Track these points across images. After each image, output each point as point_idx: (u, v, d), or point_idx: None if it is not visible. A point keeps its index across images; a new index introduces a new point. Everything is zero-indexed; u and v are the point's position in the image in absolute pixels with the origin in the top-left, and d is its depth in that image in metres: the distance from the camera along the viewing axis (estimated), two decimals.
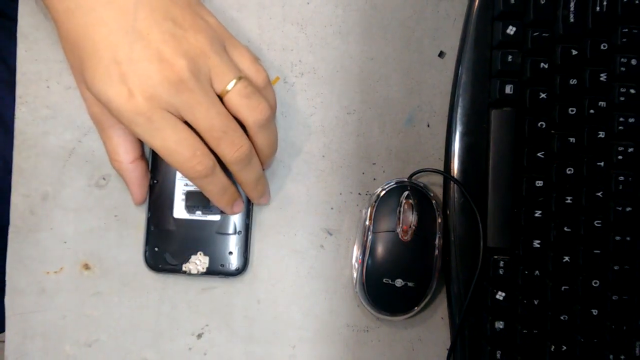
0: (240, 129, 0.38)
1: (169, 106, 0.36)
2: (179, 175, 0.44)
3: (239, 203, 0.42)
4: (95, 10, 0.36)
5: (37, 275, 0.44)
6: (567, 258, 0.42)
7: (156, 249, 0.44)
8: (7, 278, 0.44)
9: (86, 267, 0.44)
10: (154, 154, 0.44)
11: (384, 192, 0.43)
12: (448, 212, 0.43)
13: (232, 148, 0.38)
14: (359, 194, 0.45)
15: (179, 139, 0.37)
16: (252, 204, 0.44)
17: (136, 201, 0.43)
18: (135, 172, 0.42)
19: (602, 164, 0.42)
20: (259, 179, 0.41)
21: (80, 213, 0.44)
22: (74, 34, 0.36)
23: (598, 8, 0.42)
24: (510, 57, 0.42)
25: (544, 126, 0.42)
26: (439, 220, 0.43)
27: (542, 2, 0.42)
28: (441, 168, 0.44)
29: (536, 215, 0.42)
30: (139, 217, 0.44)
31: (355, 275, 0.43)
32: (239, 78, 0.38)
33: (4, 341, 0.44)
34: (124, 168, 0.41)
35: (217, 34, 0.39)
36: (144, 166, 0.43)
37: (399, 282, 0.42)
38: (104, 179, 0.45)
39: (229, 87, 0.37)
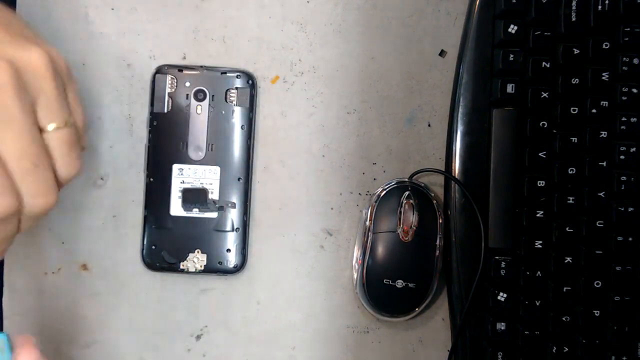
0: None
1: None
2: (175, 172, 0.43)
3: None
4: None
5: (35, 276, 0.44)
6: (569, 259, 0.41)
7: (153, 247, 0.43)
8: (5, 278, 0.44)
9: (84, 267, 0.44)
10: (150, 150, 0.44)
11: (384, 192, 0.43)
12: (449, 212, 0.43)
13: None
14: (359, 194, 0.45)
15: None
16: (250, 200, 0.44)
17: None
18: None
19: (604, 164, 0.42)
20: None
21: (79, 213, 0.44)
22: None
23: (600, 7, 0.42)
24: (511, 56, 0.42)
25: (545, 126, 0.42)
26: (440, 221, 0.42)
27: (544, 1, 0.42)
28: (442, 168, 0.44)
29: (538, 215, 0.42)
30: (138, 217, 0.44)
31: (355, 276, 0.43)
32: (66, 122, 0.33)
33: None
34: None
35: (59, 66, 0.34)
36: None
37: (399, 283, 0.42)
38: (102, 178, 0.44)
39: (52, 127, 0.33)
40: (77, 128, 0.35)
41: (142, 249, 0.44)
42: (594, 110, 0.42)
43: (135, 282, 0.44)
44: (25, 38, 0.33)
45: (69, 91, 0.35)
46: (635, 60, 0.42)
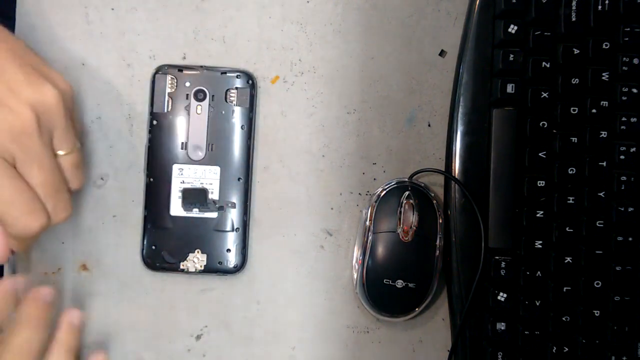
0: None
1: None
2: (175, 172, 0.43)
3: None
4: None
5: (35, 276, 0.44)
6: (568, 259, 0.41)
7: (154, 247, 0.43)
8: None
9: (84, 267, 0.44)
10: (150, 150, 0.43)
11: (384, 192, 0.43)
12: (449, 212, 0.43)
13: None
14: (359, 194, 0.45)
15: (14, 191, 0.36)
16: (250, 200, 0.44)
17: None
18: None
19: (604, 164, 0.42)
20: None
21: (79, 213, 0.44)
22: None
23: (600, 7, 0.42)
24: (511, 56, 0.42)
25: (545, 126, 0.42)
26: (440, 221, 0.42)
27: (544, 1, 0.42)
28: (442, 168, 0.44)
29: (538, 215, 0.42)
30: (138, 217, 0.44)
31: (355, 276, 0.43)
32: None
33: None
34: None
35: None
36: None
37: (399, 283, 0.42)
38: (102, 179, 0.44)
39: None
40: (81, 150, 0.39)
41: (142, 249, 0.44)
42: (594, 110, 0.42)
43: (135, 282, 0.44)
44: (36, 70, 0.36)
45: (73, 117, 0.39)
46: (635, 60, 0.42)
